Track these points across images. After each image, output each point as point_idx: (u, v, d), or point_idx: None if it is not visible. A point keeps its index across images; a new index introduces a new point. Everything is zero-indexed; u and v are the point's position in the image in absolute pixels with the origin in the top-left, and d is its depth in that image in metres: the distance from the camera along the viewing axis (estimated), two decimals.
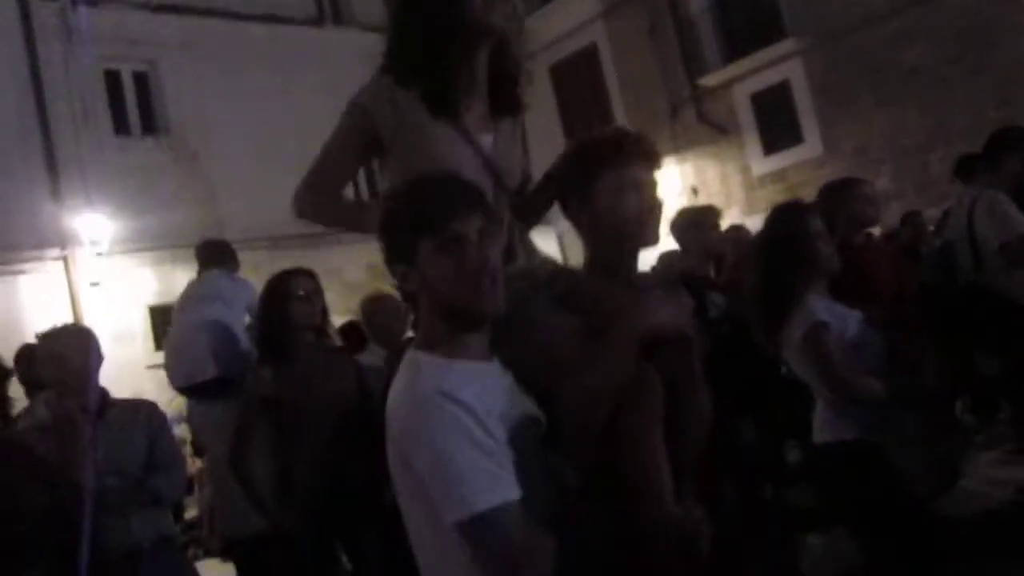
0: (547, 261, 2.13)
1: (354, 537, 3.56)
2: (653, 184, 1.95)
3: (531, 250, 2.12)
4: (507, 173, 2.05)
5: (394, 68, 2.00)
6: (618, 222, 1.90)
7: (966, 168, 5.33)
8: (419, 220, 1.61)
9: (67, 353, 3.26)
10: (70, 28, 12.30)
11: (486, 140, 2.03)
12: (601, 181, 1.91)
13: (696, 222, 4.52)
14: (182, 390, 4.63)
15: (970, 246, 4.09)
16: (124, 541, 3.21)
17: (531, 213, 2.17)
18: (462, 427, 1.50)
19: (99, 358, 3.39)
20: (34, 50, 12.06)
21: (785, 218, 3.11)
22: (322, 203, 2.09)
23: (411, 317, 4.37)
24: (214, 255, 5.01)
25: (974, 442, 5.28)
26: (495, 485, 1.49)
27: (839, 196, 3.95)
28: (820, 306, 2.95)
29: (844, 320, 2.94)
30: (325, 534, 3.51)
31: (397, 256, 1.66)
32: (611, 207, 1.90)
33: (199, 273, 4.98)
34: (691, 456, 1.81)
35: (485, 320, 1.65)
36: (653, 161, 1.97)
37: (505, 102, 2.10)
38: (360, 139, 2.02)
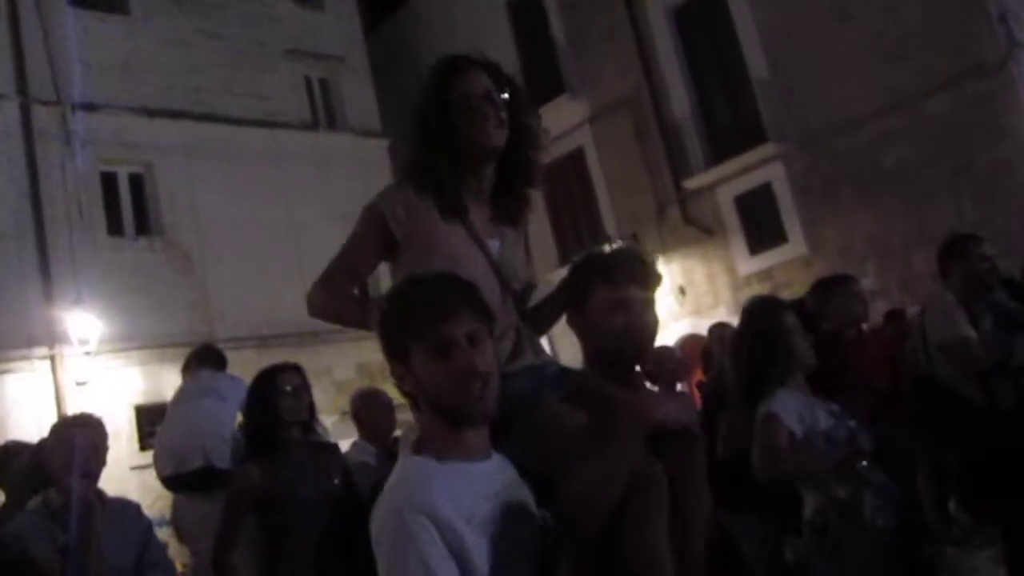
0: (554, 361, 2.25)
1: None
2: (644, 303, 2.03)
3: (539, 350, 2.25)
4: (513, 276, 2.22)
5: (411, 179, 2.19)
6: (605, 337, 2.01)
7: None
8: (409, 324, 1.66)
9: (78, 441, 3.37)
10: (69, 132, 12.58)
11: (493, 244, 2.20)
12: (593, 298, 2.03)
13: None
14: (168, 480, 4.57)
15: (922, 344, 4.17)
16: None
17: (540, 321, 2.31)
18: (424, 551, 1.51)
19: (106, 447, 3.51)
20: (32, 152, 12.31)
21: (761, 314, 3.19)
22: (330, 300, 2.23)
23: (397, 415, 4.38)
24: (208, 357, 5.03)
25: (964, 540, 5.20)
26: None
27: (830, 292, 4.07)
28: (780, 399, 2.97)
29: (813, 413, 2.95)
30: None
31: (393, 356, 1.71)
32: (600, 323, 2.01)
33: (192, 373, 4.98)
34: (695, 550, 1.84)
35: (476, 422, 1.67)
36: (645, 282, 2.05)
37: (510, 212, 2.29)
38: (374, 240, 2.19)
